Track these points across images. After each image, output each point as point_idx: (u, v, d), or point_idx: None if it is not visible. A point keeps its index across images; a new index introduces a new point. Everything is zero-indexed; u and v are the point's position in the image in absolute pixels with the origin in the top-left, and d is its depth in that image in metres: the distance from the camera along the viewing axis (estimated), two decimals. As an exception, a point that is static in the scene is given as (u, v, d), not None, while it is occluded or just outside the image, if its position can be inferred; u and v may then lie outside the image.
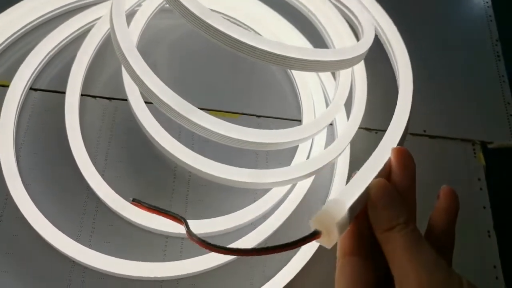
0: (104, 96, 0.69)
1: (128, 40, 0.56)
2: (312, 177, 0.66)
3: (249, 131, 0.55)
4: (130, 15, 0.69)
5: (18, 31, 0.70)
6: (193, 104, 0.57)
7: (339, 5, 0.71)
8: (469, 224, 0.70)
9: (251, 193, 0.65)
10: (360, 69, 0.72)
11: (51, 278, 0.58)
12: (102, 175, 0.62)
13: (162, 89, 0.54)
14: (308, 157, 0.68)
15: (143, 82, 0.54)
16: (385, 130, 0.69)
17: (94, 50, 0.68)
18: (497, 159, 0.76)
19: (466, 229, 0.69)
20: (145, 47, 0.72)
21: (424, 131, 0.76)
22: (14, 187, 0.59)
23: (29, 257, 0.58)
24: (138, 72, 0.54)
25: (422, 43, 0.84)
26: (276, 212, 0.64)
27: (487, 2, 0.90)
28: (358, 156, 0.71)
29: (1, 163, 0.60)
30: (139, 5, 0.69)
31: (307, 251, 0.62)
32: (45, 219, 0.58)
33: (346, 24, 0.71)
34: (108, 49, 0.71)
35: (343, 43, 0.68)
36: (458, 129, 0.77)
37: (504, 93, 0.81)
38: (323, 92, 0.74)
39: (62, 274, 0.58)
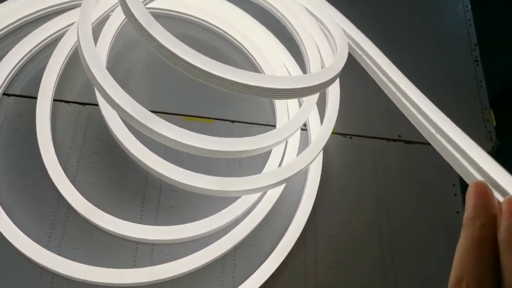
0: (78, 101, 0.69)
1: (92, 53, 0.56)
2: (282, 187, 0.67)
3: (208, 139, 0.55)
4: (103, 21, 0.68)
5: None
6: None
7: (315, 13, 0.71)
8: (443, 230, 0.70)
9: (223, 199, 0.65)
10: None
11: (21, 285, 0.58)
12: (73, 182, 0.62)
13: (124, 97, 0.54)
14: (280, 163, 0.68)
15: (105, 92, 0.54)
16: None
17: (66, 56, 0.68)
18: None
19: (440, 235, 0.69)
20: (119, 54, 0.72)
21: (399, 136, 0.76)
22: (-17, 193, 0.59)
23: (-1, 263, 0.58)
24: (101, 83, 0.54)
25: (401, 47, 0.83)
26: (247, 218, 0.64)
27: (466, 6, 0.90)
28: (332, 162, 0.72)
29: (-29, 169, 0.60)
30: (112, 10, 0.69)
31: (275, 260, 0.62)
32: (15, 226, 0.58)
33: (321, 32, 0.71)
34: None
35: (315, 50, 0.68)
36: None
37: (481, 98, 0.82)
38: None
39: (31, 281, 0.58)
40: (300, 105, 0.72)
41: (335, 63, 0.59)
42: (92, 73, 0.55)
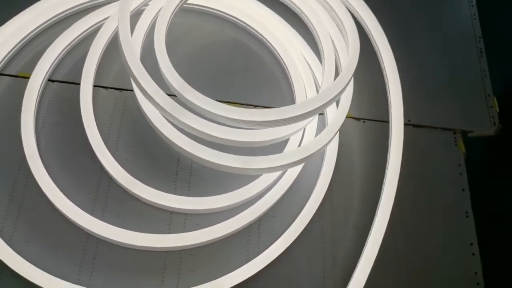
0: (115, 87, 0.76)
1: (130, 46, 0.63)
2: (302, 165, 0.73)
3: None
4: (137, 14, 0.75)
5: (36, 28, 0.77)
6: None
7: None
8: (449, 206, 0.76)
9: (248, 176, 0.71)
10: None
11: (68, 248, 0.64)
12: (114, 156, 0.69)
13: (156, 90, 0.61)
14: (300, 144, 0.75)
15: (138, 83, 0.61)
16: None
17: (104, 45, 0.75)
18: (477, 147, 0.82)
19: (446, 210, 0.75)
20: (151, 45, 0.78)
21: (409, 120, 0.82)
22: (35, 167, 0.66)
23: (48, 229, 0.65)
24: (137, 77, 0.61)
25: (409, 40, 0.90)
26: (270, 193, 0.70)
27: (471, 1, 0.96)
28: (347, 144, 0.78)
29: (24, 146, 0.67)
30: (146, 4, 0.76)
31: (296, 229, 0.69)
32: (63, 195, 0.65)
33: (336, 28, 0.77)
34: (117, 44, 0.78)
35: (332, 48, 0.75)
36: (441, 119, 0.83)
37: (485, 86, 0.87)
38: (315, 85, 0.80)
39: (78, 244, 0.65)
40: (317, 91, 0.79)
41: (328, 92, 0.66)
42: (128, 64, 0.62)
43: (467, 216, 0.76)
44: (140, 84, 0.63)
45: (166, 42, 0.67)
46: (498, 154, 0.83)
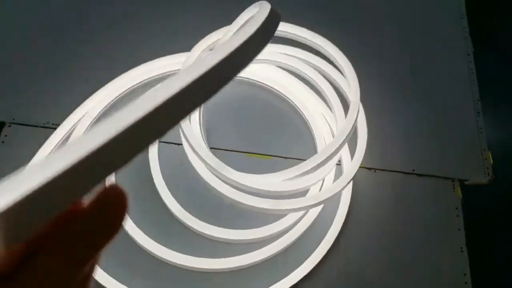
0: (174, 142, 0.97)
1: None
2: (321, 206, 0.91)
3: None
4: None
5: (119, 94, 1.01)
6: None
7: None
8: (446, 247, 0.91)
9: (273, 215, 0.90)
10: (360, 119, 0.96)
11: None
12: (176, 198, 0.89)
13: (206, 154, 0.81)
14: (320, 189, 0.93)
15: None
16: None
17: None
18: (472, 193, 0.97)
19: (440, 246, 0.90)
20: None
21: (413, 170, 0.98)
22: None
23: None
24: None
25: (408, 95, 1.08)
26: (294, 229, 0.88)
27: (471, 70, 1.13)
28: (359, 193, 0.95)
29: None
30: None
31: (313, 261, 0.86)
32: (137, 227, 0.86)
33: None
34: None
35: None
36: (441, 169, 0.99)
37: (481, 141, 1.03)
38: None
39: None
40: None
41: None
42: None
43: (461, 251, 0.90)
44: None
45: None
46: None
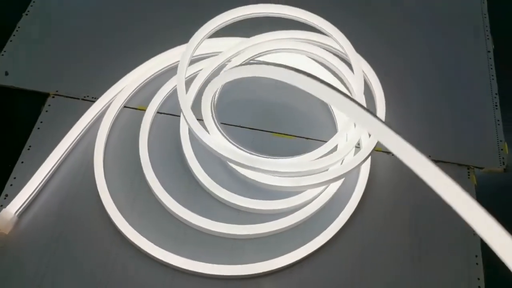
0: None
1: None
2: (341, 180, 0.95)
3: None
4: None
5: (153, 74, 1.08)
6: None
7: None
8: (459, 230, 0.94)
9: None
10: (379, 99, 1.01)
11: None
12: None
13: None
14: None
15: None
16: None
17: (196, 91, 1.02)
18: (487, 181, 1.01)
19: (455, 232, 0.94)
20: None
21: (429, 156, 1.02)
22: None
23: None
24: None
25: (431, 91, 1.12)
26: (316, 200, 0.93)
27: (491, 66, 1.17)
28: (377, 175, 0.99)
29: (146, 176, 0.95)
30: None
31: (334, 228, 0.90)
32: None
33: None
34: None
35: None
36: (458, 156, 1.03)
37: (498, 133, 1.07)
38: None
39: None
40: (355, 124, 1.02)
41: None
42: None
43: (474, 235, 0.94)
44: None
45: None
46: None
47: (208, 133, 0.91)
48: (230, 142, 0.93)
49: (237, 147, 0.92)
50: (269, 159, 0.88)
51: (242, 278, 0.86)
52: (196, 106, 0.96)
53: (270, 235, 0.91)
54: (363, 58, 1.06)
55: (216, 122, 0.93)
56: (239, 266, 0.86)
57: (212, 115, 0.94)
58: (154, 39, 1.15)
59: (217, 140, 0.91)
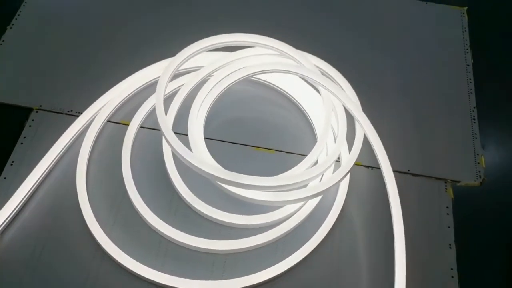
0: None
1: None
2: (320, 197, 0.97)
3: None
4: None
5: (136, 89, 1.09)
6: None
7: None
8: (435, 243, 0.96)
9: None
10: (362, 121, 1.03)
11: None
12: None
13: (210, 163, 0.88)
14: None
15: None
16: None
17: (178, 106, 1.03)
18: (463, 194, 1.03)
19: (430, 242, 0.96)
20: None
21: (408, 170, 1.04)
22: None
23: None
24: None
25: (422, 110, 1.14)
26: (294, 216, 0.95)
27: (470, 80, 1.20)
28: (356, 189, 1.01)
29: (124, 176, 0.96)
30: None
31: (312, 244, 0.92)
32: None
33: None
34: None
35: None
36: (435, 169, 1.05)
37: (475, 146, 1.09)
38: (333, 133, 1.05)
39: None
40: (335, 140, 1.03)
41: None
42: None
43: (450, 248, 0.96)
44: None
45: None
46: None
47: (191, 150, 0.92)
48: (213, 159, 0.94)
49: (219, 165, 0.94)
50: (250, 176, 0.89)
51: (222, 293, 0.88)
52: (178, 119, 0.98)
53: (250, 249, 0.92)
54: (343, 71, 1.09)
55: (200, 138, 0.95)
56: (220, 281, 0.87)
57: (196, 131, 0.96)
58: (137, 54, 1.17)
59: (200, 157, 0.92)
